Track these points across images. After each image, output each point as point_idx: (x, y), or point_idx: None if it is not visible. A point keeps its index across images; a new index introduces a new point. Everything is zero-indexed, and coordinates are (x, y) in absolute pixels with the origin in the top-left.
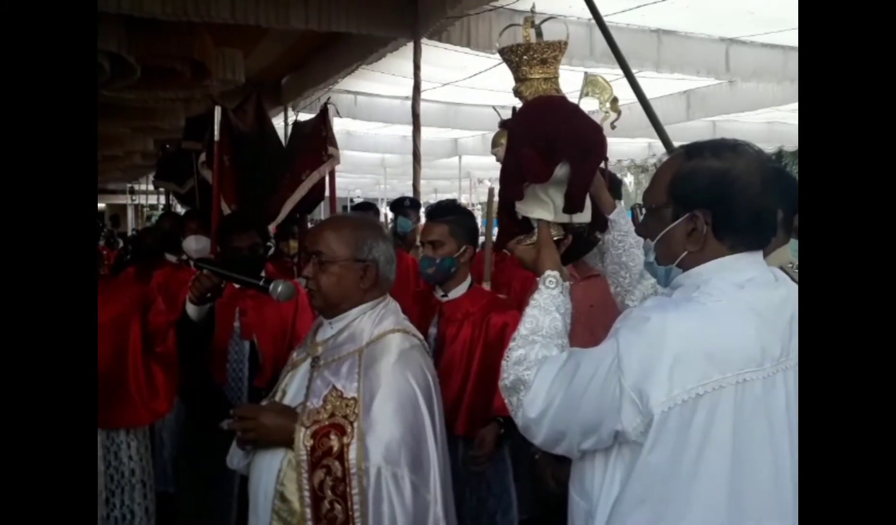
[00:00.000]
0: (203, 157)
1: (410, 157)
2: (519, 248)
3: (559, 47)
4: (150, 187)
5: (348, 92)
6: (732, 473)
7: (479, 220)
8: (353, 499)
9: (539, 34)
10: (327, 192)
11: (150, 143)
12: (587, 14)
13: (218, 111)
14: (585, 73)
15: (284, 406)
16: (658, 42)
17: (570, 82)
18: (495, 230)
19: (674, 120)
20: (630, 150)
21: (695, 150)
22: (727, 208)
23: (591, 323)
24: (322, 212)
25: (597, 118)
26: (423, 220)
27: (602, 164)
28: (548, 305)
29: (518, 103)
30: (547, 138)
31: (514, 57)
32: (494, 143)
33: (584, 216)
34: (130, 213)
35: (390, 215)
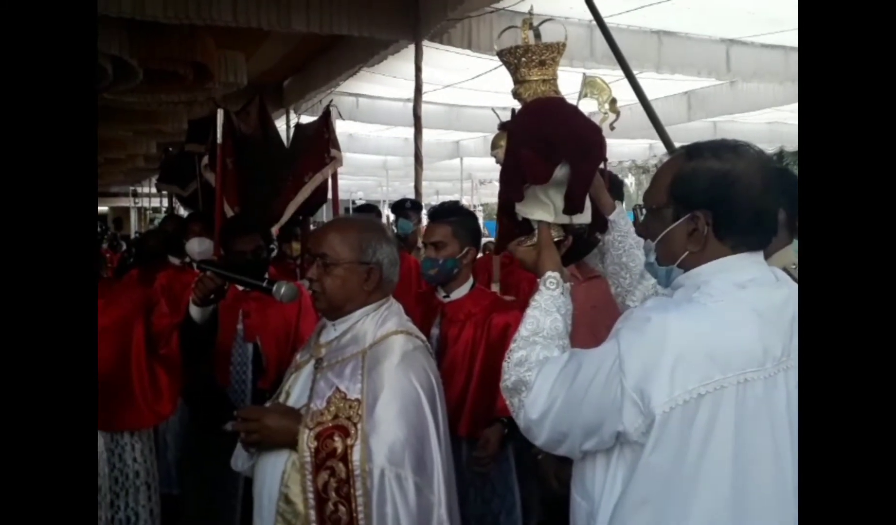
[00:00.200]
0: (206, 159)
1: (412, 159)
2: (519, 249)
3: (557, 49)
4: (153, 190)
5: (350, 94)
6: (734, 473)
7: (482, 222)
8: (357, 500)
9: (537, 36)
10: (330, 195)
11: (153, 146)
12: (588, 15)
13: (220, 114)
14: (584, 74)
15: (288, 408)
16: (659, 43)
17: (570, 83)
18: None
19: (675, 121)
20: (631, 150)
21: (695, 151)
22: (728, 209)
23: (594, 324)
24: (324, 214)
25: (596, 119)
26: (424, 221)
27: (601, 165)
28: (549, 306)
29: (517, 105)
30: (546, 140)
31: (512, 59)
32: (494, 145)
33: (585, 217)
34: (133, 215)
35: (392, 217)
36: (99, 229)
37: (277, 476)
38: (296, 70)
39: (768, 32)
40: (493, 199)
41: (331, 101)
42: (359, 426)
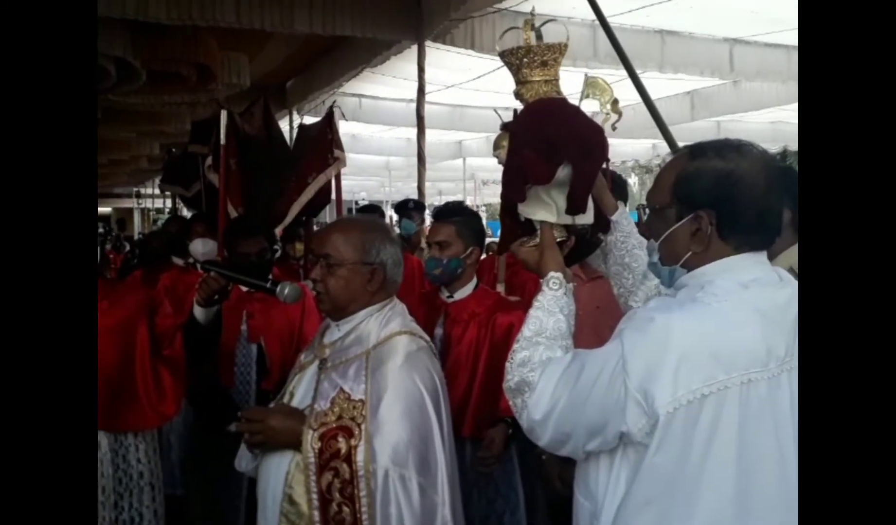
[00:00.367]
0: (209, 160)
1: (415, 160)
2: (522, 250)
3: (559, 49)
4: (157, 191)
5: (353, 95)
6: (738, 474)
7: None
8: (361, 501)
9: (539, 36)
10: (333, 195)
11: (156, 147)
12: (591, 15)
13: (224, 115)
14: (586, 74)
15: (292, 408)
16: (662, 42)
17: (573, 84)
18: None
19: (678, 120)
20: (634, 150)
21: (699, 151)
22: (731, 208)
23: (598, 324)
24: (328, 214)
25: (598, 120)
26: (427, 222)
27: (604, 166)
28: (551, 307)
29: (519, 106)
30: (548, 140)
31: (514, 59)
32: (496, 146)
33: (587, 217)
34: (137, 216)
35: (395, 217)
36: (102, 230)
37: (281, 477)
38: (299, 71)
39: (771, 32)
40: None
41: (334, 101)
42: (363, 427)
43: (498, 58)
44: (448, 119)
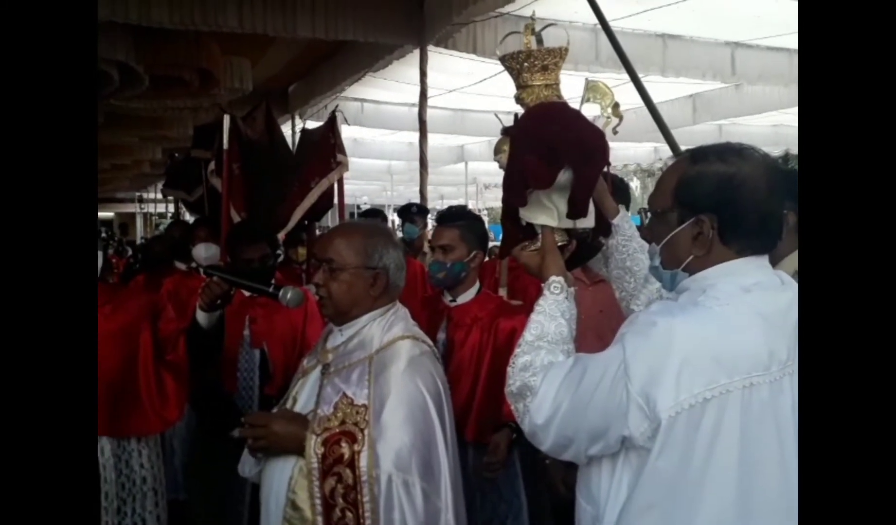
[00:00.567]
0: (212, 165)
1: (417, 164)
2: (523, 254)
3: (560, 54)
4: (159, 196)
5: (355, 99)
6: (740, 477)
7: (487, 226)
8: (365, 506)
9: (540, 41)
10: (336, 200)
11: (159, 151)
12: (592, 19)
13: (226, 119)
14: (587, 78)
15: (295, 413)
16: (664, 46)
17: (575, 87)
18: None
19: (680, 124)
20: (636, 154)
21: (700, 155)
22: (733, 212)
23: (600, 328)
24: (330, 219)
25: (599, 124)
26: (430, 226)
27: (605, 169)
28: (553, 311)
29: (520, 110)
30: (549, 144)
31: (515, 64)
32: (497, 150)
33: (588, 221)
34: (139, 221)
35: (398, 222)
36: (105, 235)
37: (284, 482)
38: (301, 75)
39: (773, 35)
40: (498, 204)
41: (336, 106)
42: (366, 432)
43: (500, 62)
44: (450, 123)
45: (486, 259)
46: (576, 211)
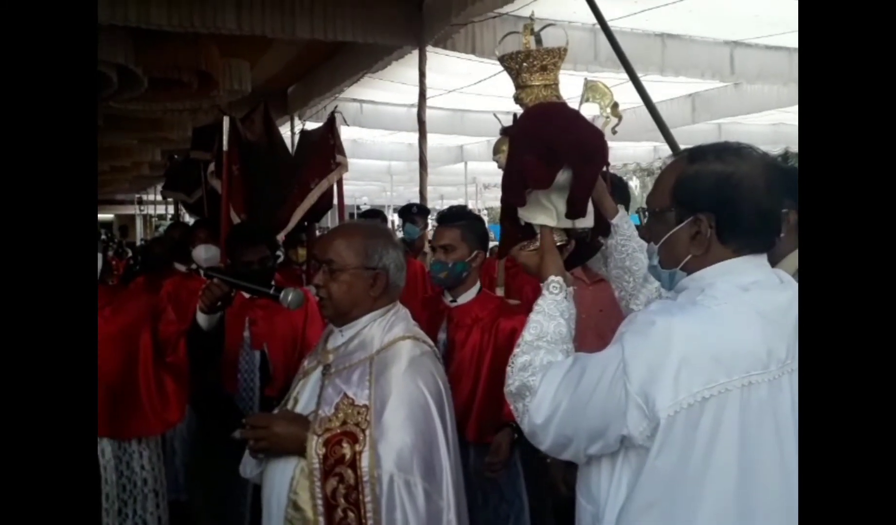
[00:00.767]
0: (212, 166)
1: (417, 164)
2: (522, 254)
3: (559, 54)
4: (159, 197)
5: (354, 100)
6: (740, 476)
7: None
8: (366, 507)
9: (539, 41)
10: (335, 200)
11: (158, 153)
12: (591, 19)
13: (226, 121)
14: (586, 78)
15: (296, 414)
16: (663, 45)
17: (574, 87)
18: None
19: (679, 123)
20: (635, 153)
21: (698, 154)
22: (731, 211)
23: (601, 327)
24: (330, 220)
25: (598, 123)
26: (430, 226)
27: (604, 169)
28: (552, 311)
29: (519, 110)
30: (548, 144)
31: (514, 64)
32: (496, 150)
33: (587, 221)
34: (139, 223)
35: (398, 222)
36: (104, 237)
37: (286, 483)
38: (300, 77)
39: (772, 34)
40: (498, 204)
41: (335, 107)
42: (367, 432)
43: (499, 62)
44: (449, 123)
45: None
46: (575, 211)
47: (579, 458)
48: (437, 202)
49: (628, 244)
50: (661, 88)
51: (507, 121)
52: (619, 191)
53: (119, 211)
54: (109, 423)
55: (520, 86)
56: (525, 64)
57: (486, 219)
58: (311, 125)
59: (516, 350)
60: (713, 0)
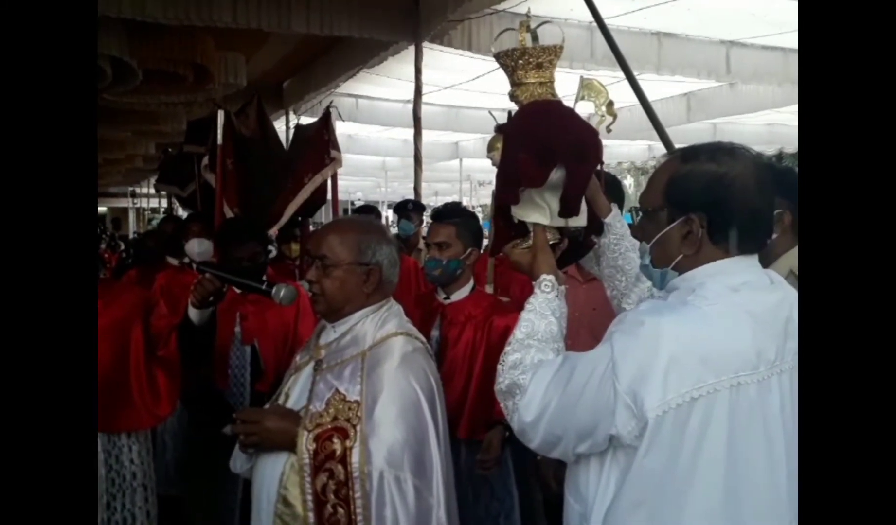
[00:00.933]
0: (206, 160)
1: (411, 160)
2: (515, 251)
3: (555, 51)
4: (152, 190)
5: (349, 95)
6: (728, 477)
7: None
8: (356, 502)
9: (535, 38)
10: (329, 196)
11: (152, 146)
12: (588, 17)
13: (221, 115)
14: (581, 76)
15: (287, 409)
16: (659, 44)
17: (570, 85)
18: None
19: (674, 122)
20: (630, 152)
21: (691, 154)
22: (722, 212)
23: (594, 326)
24: (324, 215)
25: (593, 122)
26: (425, 223)
27: (598, 168)
28: (543, 309)
29: (514, 107)
30: (542, 142)
31: (509, 61)
32: (490, 148)
33: (580, 220)
34: (132, 216)
35: (392, 218)
36: (97, 230)
37: (276, 478)
38: (295, 71)
39: (768, 34)
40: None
41: (331, 102)
42: (358, 428)
43: (495, 59)
44: (445, 120)
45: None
46: (568, 209)
47: (568, 457)
48: (432, 199)
49: (621, 243)
50: (657, 87)
51: (502, 118)
52: (613, 189)
53: (112, 204)
54: (100, 416)
55: (515, 83)
56: (521, 61)
57: (480, 216)
58: (306, 120)
59: (507, 348)
60: None
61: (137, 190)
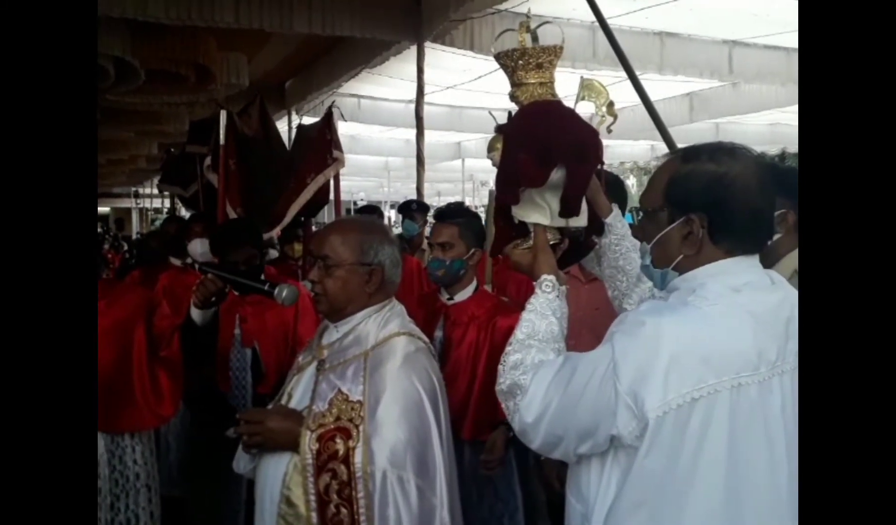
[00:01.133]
0: (208, 160)
1: (414, 161)
2: (515, 252)
3: (555, 52)
4: (155, 191)
5: (352, 95)
6: (728, 477)
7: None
8: (359, 503)
9: (535, 39)
10: (332, 196)
11: (155, 147)
12: (590, 16)
13: (223, 115)
14: (581, 77)
15: (290, 409)
16: (661, 44)
17: (572, 85)
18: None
19: (677, 122)
20: (633, 152)
21: (691, 154)
22: (723, 212)
23: (596, 326)
24: (326, 215)
25: (593, 122)
26: (429, 223)
27: (598, 168)
28: (544, 310)
29: (515, 108)
30: (542, 142)
31: (509, 62)
32: (490, 148)
33: (581, 220)
34: (135, 216)
35: (395, 218)
36: (100, 230)
37: (279, 478)
38: (298, 71)
39: (771, 34)
40: None
41: (333, 102)
42: (361, 428)
43: (495, 60)
44: (447, 120)
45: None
46: (568, 209)
47: (569, 458)
48: (435, 199)
49: (622, 243)
50: (660, 87)
51: (502, 118)
52: (616, 189)
53: (115, 204)
54: (103, 416)
55: (515, 83)
56: (521, 62)
57: (483, 216)
58: (308, 120)
59: (508, 348)
60: None
61: (141, 190)
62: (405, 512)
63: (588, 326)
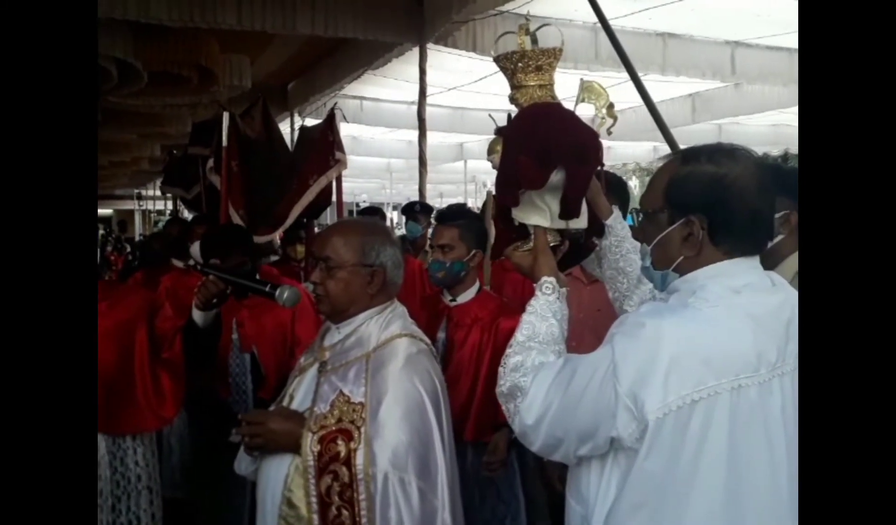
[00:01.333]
0: (211, 162)
1: (416, 162)
2: (515, 254)
3: (554, 54)
4: (158, 193)
5: (354, 97)
6: (729, 479)
7: None
8: (361, 504)
9: (534, 41)
10: (334, 197)
11: (157, 148)
12: (592, 17)
13: (226, 117)
14: (581, 79)
15: (292, 411)
16: (664, 45)
17: (573, 86)
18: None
19: (679, 123)
20: (635, 153)
21: (691, 155)
22: (723, 214)
23: (598, 327)
24: (329, 216)
25: (593, 124)
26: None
27: (598, 169)
28: (544, 312)
29: (515, 110)
30: (542, 144)
31: (509, 64)
32: (490, 150)
33: (581, 222)
34: (138, 218)
35: (397, 220)
36: (103, 232)
37: (280, 480)
38: (300, 73)
39: (773, 34)
40: None
41: (335, 103)
42: (362, 430)
43: (494, 62)
44: (449, 121)
45: None
46: (568, 211)
47: (569, 459)
48: (437, 200)
49: (622, 245)
50: (662, 88)
51: (502, 120)
52: (619, 190)
53: (118, 206)
54: (104, 418)
55: (515, 86)
56: (520, 64)
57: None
58: (310, 122)
59: (508, 350)
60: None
61: (143, 192)
62: (407, 514)
63: (590, 328)
